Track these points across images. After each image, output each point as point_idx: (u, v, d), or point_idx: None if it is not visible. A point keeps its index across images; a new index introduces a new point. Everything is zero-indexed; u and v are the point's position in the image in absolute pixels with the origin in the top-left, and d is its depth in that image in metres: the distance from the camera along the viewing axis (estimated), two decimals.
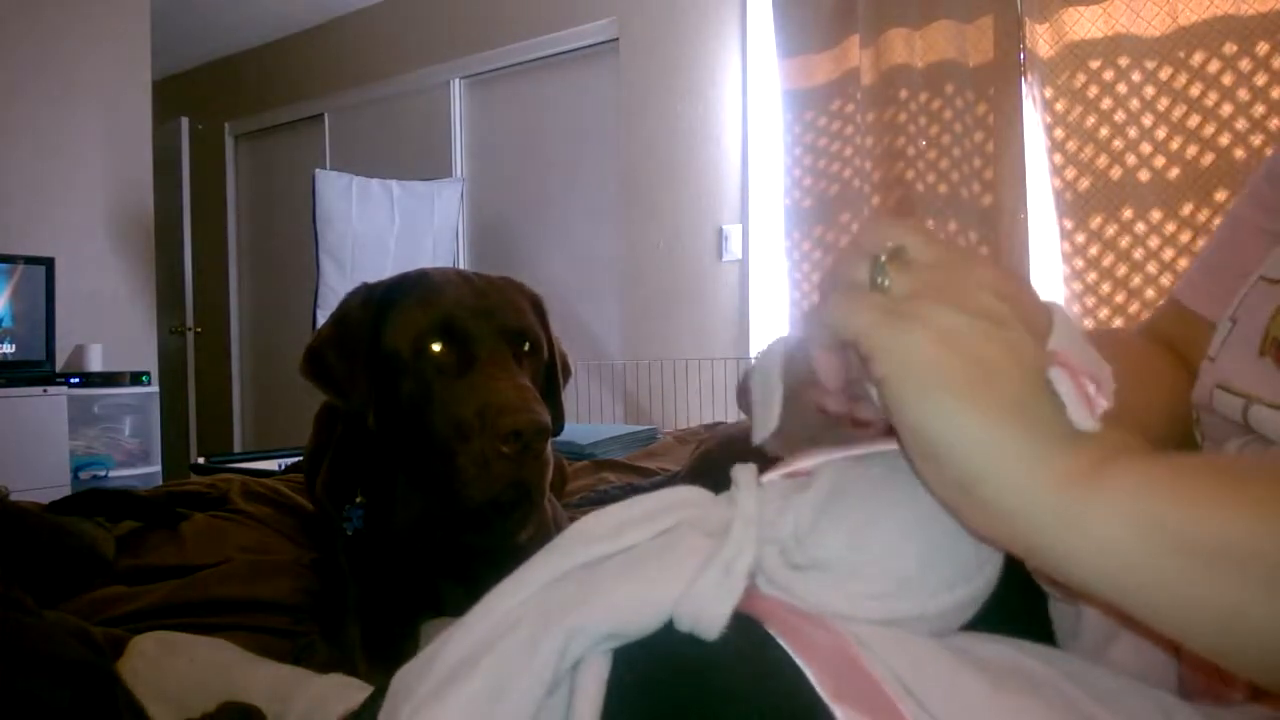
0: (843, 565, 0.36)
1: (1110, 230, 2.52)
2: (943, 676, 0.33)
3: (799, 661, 0.33)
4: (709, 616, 0.34)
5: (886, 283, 0.36)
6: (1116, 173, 2.50)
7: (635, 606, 0.34)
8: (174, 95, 4.73)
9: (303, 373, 1.00)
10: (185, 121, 4.46)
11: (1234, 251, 0.67)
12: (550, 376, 1.06)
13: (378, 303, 0.98)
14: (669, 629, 0.35)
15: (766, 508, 0.38)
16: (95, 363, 3.34)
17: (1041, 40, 2.57)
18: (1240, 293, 0.55)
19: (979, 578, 0.37)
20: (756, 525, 0.36)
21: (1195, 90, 2.38)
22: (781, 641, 0.34)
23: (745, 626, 0.35)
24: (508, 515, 0.93)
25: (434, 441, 0.91)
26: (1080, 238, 2.55)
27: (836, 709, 0.31)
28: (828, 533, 0.37)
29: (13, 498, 1.10)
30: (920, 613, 0.36)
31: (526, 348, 0.98)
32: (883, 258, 0.37)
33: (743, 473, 0.39)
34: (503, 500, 0.89)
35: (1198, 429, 0.56)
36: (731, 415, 2.99)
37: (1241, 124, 2.33)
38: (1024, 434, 0.33)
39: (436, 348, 0.93)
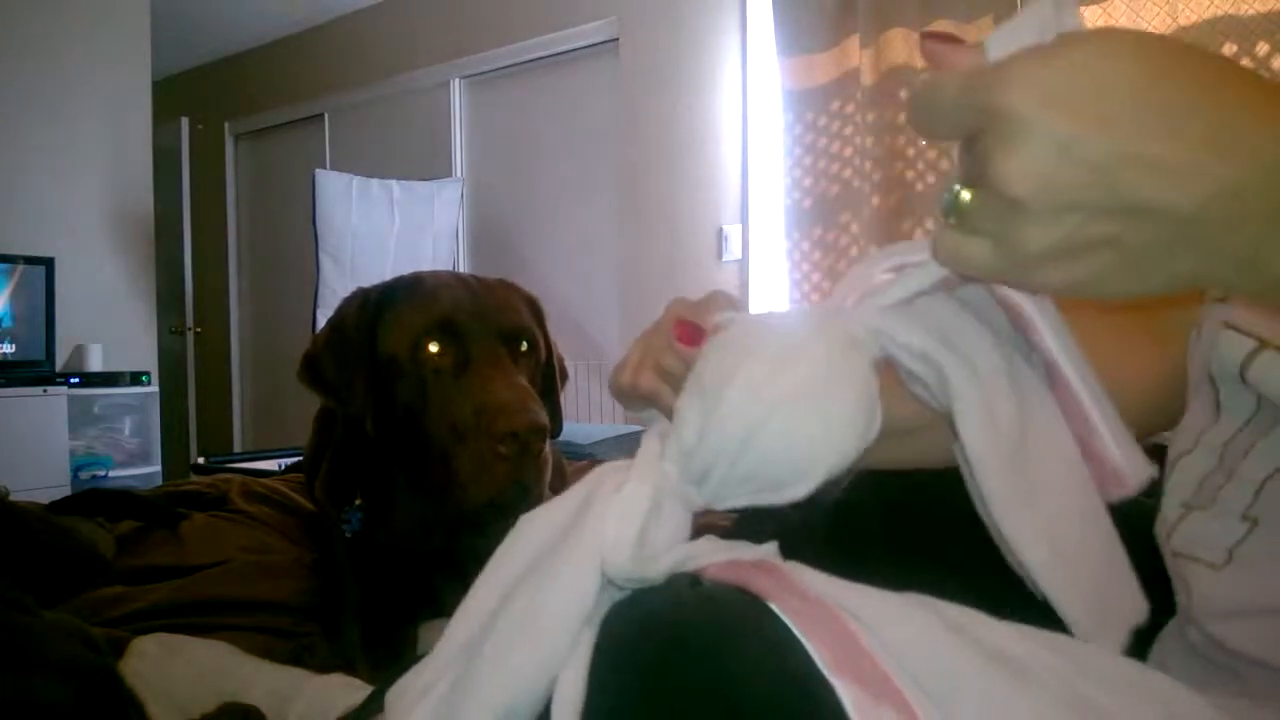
0: (730, 472, 0.39)
1: None
2: (936, 653, 0.34)
3: (799, 635, 0.34)
4: (615, 564, 0.37)
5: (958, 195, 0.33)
6: None
7: (572, 580, 0.38)
8: (174, 95, 4.73)
9: (301, 379, 1.00)
10: (185, 121, 4.46)
11: None
12: (548, 377, 1.05)
13: (374, 307, 0.98)
14: (672, 604, 0.37)
15: (667, 441, 0.42)
16: (95, 363, 3.34)
17: None
18: None
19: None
20: (655, 460, 0.41)
21: None
22: (783, 616, 0.35)
23: (746, 602, 0.36)
24: (507, 516, 0.93)
25: (432, 443, 0.91)
26: None
27: (836, 681, 0.32)
28: (712, 444, 0.39)
29: (13, 498, 1.10)
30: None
31: (523, 348, 0.98)
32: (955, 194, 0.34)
33: (648, 436, 0.44)
34: (501, 501, 0.89)
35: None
36: None
37: None
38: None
39: (433, 349, 0.93)
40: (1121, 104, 0.30)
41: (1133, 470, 0.41)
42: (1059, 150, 0.30)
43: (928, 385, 0.41)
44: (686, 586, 0.38)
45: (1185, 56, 0.31)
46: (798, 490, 0.39)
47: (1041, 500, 0.38)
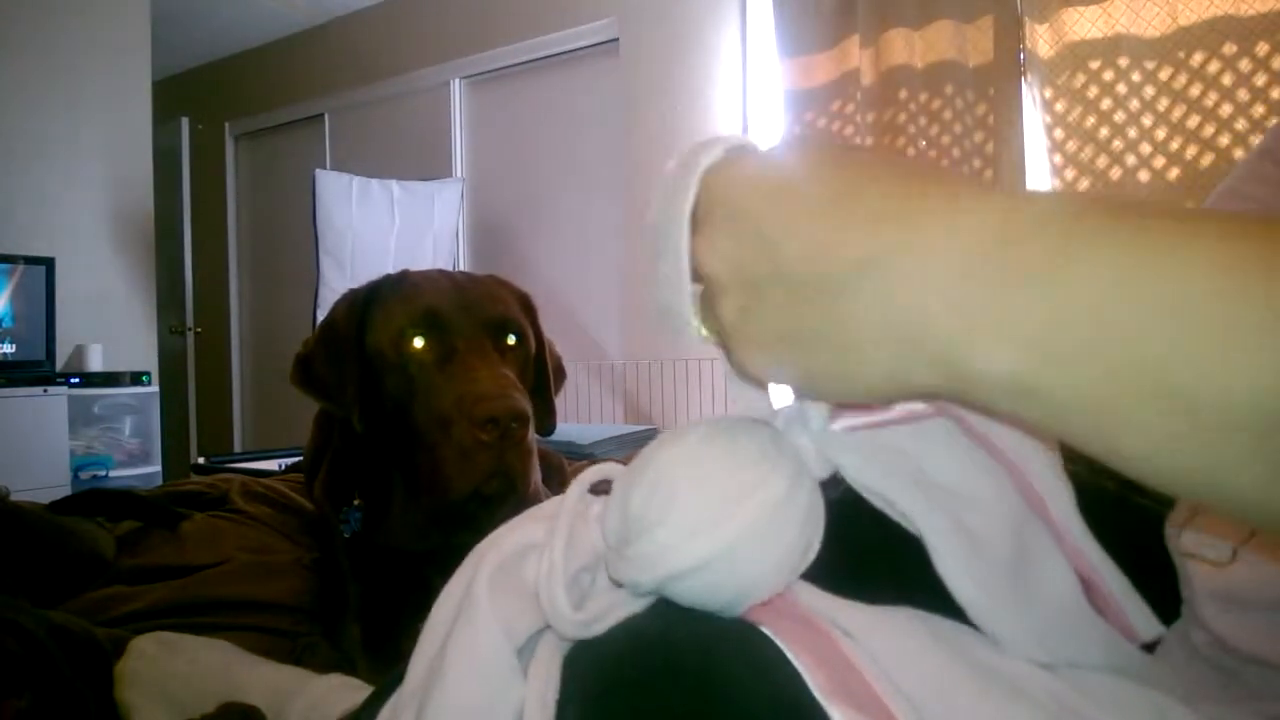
0: (645, 589, 0.37)
1: None
2: (931, 673, 0.33)
3: (791, 657, 0.33)
4: (555, 623, 0.36)
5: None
6: (1116, 173, 2.50)
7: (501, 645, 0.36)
8: (174, 95, 4.73)
9: (293, 381, 1.00)
10: (185, 121, 4.46)
11: None
12: (540, 372, 1.05)
13: (361, 305, 0.99)
14: (661, 623, 0.36)
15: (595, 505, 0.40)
16: (95, 363, 3.34)
17: (1041, 40, 2.57)
18: None
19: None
20: (569, 523, 0.39)
21: (1195, 91, 2.38)
22: (774, 638, 0.34)
23: (736, 623, 0.35)
24: (495, 508, 0.93)
25: (417, 436, 0.91)
26: None
27: (830, 706, 0.32)
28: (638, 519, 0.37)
29: (13, 498, 1.10)
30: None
31: (510, 340, 0.98)
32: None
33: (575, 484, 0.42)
34: (487, 492, 0.89)
35: None
36: None
37: (1241, 125, 2.33)
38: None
39: (417, 342, 0.94)
40: (781, 186, 0.33)
41: (1144, 627, 0.39)
42: (732, 226, 0.34)
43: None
44: (675, 607, 0.37)
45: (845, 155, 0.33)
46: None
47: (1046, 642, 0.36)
